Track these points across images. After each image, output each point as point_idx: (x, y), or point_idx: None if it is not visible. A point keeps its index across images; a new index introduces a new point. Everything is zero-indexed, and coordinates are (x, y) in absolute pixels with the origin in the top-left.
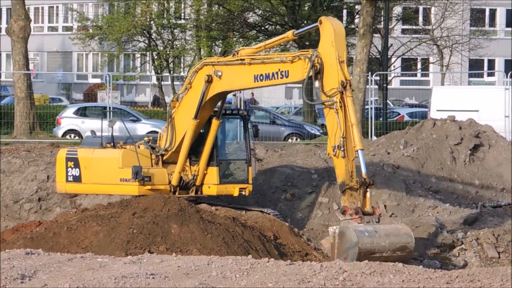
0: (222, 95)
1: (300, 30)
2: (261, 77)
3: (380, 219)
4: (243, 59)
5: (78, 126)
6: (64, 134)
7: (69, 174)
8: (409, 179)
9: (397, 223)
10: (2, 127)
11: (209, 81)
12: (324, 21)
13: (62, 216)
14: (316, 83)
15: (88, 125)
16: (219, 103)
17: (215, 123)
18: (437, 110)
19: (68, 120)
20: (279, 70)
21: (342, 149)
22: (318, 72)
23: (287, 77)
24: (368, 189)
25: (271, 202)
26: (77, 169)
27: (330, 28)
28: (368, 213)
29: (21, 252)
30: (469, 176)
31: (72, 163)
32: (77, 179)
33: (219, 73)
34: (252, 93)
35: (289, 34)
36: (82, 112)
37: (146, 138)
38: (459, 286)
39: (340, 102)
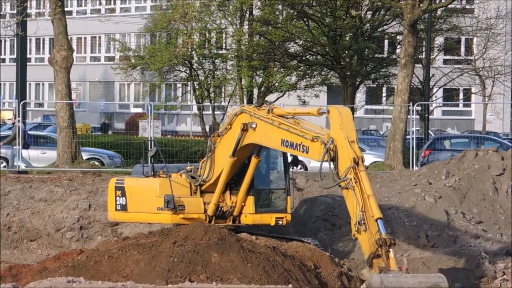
0: (257, 145)
1: (323, 110)
2: (287, 144)
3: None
4: (273, 121)
5: None
6: None
7: (117, 202)
8: (451, 210)
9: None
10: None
11: (244, 129)
12: (331, 109)
13: (104, 244)
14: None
15: None
16: None
17: (253, 161)
18: None
19: None
20: (301, 143)
21: (362, 222)
22: (333, 160)
23: (307, 153)
24: (390, 249)
25: (311, 231)
26: (123, 198)
27: (336, 113)
28: (394, 271)
29: (62, 280)
30: None
31: (120, 192)
32: (124, 207)
33: (254, 125)
34: None
35: (314, 111)
36: None
37: (188, 168)
38: None
39: (354, 178)
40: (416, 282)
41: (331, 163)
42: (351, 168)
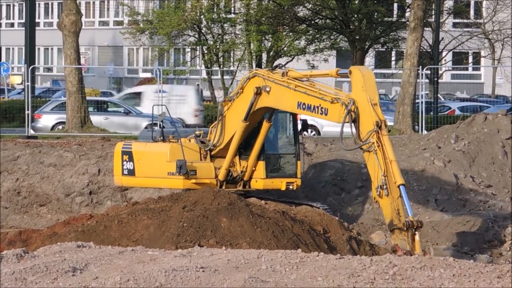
0: (270, 108)
1: (343, 71)
2: (304, 106)
3: None
4: (289, 84)
5: None
6: None
7: (125, 167)
8: (460, 173)
9: None
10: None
11: (258, 93)
12: (353, 70)
13: (113, 209)
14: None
15: None
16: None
17: (265, 125)
18: None
19: None
20: (319, 105)
21: (384, 187)
22: (354, 121)
23: (326, 115)
24: (416, 232)
25: (320, 196)
26: (131, 163)
27: (359, 74)
28: None
29: (72, 245)
30: None
31: (127, 156)
32: (131, 172)
33: (267, 89)
34: None
35: (333, 72)
36: None
37: (197, 132)
38: (510, 281)
39: (377, 142)
40: None
41: (352, 124)
42: (374, 132)
